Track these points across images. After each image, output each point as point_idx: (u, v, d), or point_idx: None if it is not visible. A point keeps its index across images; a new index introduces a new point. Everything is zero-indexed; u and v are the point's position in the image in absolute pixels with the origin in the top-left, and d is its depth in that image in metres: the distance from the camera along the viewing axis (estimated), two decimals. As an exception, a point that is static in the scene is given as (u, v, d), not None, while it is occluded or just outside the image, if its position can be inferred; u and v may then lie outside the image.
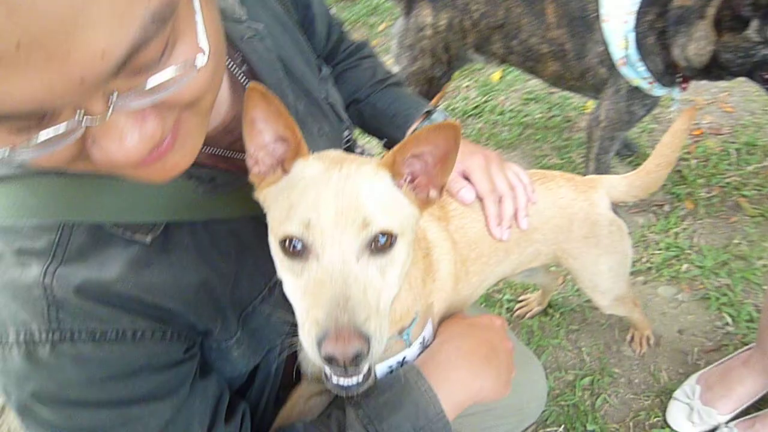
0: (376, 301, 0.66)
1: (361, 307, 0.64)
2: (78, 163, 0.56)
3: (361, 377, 0.71)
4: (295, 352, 0.96)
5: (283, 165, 0.73)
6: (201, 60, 0.52)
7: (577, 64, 1.95)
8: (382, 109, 1.20)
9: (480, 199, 1.09)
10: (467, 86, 2.89)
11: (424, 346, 0.97)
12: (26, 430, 0.75)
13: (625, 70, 1.80)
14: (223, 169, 0.79)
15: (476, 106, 2.76)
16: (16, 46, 0.40)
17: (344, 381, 0.70)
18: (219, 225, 0.80)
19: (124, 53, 0.45)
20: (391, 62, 2.19)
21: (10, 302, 0.69)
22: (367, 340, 0.62)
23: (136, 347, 0.73)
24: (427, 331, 0.98)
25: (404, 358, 0.94)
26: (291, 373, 0.99)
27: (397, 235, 0.68)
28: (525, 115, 2.65)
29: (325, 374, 0.71)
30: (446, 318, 1.06)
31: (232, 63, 0.84)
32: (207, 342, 0.83)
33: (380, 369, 0.93)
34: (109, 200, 0.72)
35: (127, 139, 0.52)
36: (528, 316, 1.90)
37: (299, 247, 0.67)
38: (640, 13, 1.73)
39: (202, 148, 0.74)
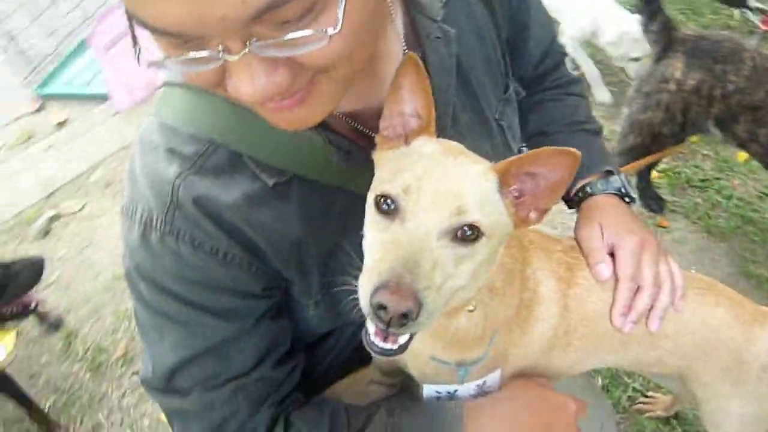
0: (441, 281, 0.67)
1: (425, 278, 0.65)
2: (219, 90, 0.65)
3: (397, 346, 0.72)
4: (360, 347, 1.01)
5: (407, 138, 0.77)
6: (331, 31, 0.57)
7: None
8: None
9: (616, 279, 1.00)
10: (704, 155, 2.62)
11: (483, 391, 0.96)
12: (133, 300, 0.89)
13: None
14: (362, 145, 0.84)
15: (704, 180, 2.50)
16: None
17: (380, 342, 0.71)
18: (338, 195, 0.85)
19: (263, 4, 0.53)
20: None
21: (147, 188, 0.82)
22: (419, 305, 0.63)
23: (224, 268, 0.82)
24: (492, 379, 0.96)
25: (456, 391, 0.94)
26: (361, 354, 1.04)
27: (484, 233, 0.69)
28: (753, 210, 2.34)
29: (366, 329, 0.72)
30: (524, 375, 1.01)
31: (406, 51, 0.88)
32: (291, 290, 0.90)
33: (428, 390, 0.95)
34: (257, 137, 0.81)
35: (255, 81, 0.60)
36: (647, 414, 1.74)
37: (392, 207, 0.70)
38: None
39: (350, 123, 0.85)
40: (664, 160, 2.63)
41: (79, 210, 3.22)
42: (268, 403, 0.90)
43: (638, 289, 1.00)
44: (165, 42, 0.58)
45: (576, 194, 1.10)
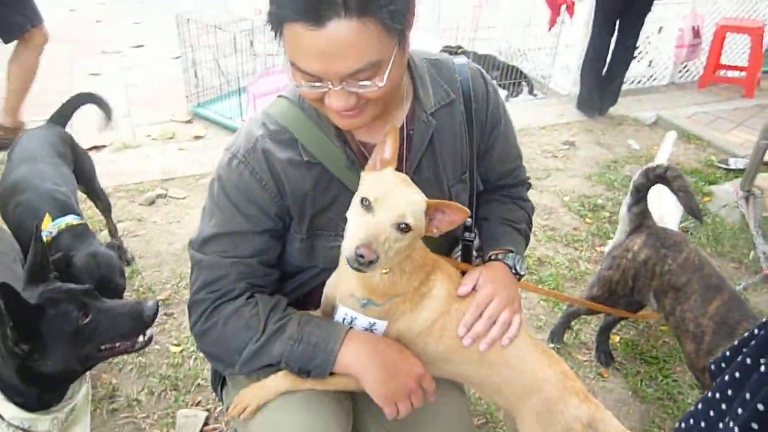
0: (388, 247, 1.21)
1: (381, 245, 1.19)
2: (318, 103, 1.30)
3: (363, 271, 1.23)
4: (319, 290, 1.57)
5: (378, 167, 1.34)
6: (379, 84, 1.22)
7: (704, 357, 2.15)
8: (492, 233, 1.73)
9: (471, 305, 1.46)
10: (664, 341, 3.05)
11: (372, 329, 1.42)
12: (207, 195, 1.48)
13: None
14: (362, 162, 1.45)
15: (654, 358, 2.92)
16: (321, 50, 1.15)
17: (354, 264, 1.21)
18: (338, 182, 1.43)
19: (354, 71, 1.18)
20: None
21: (243, 137, 1.43)
22: (377, 257, 1.18)
23: (260, 190, 1.40)
24: (380, 324, 1.41)
25: (356, 318, 1.42)
26: (318, 300, 1.58)
27: (411, 229, 1.26)
28: (680, 392, 2.73)
29: (348, 261, 1.22)
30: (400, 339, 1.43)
31: (405, 124, 1.49)
32: (290, 226, 1.47)
33: (340, 311, 1.43)
34: (310, 136, 1.42)
35: (341, 101, 1.24)
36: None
37: (368, 204, 1.24)
38: None
39: (361, 147, 1.47)
40: (629, 332, 3.11)
41: (182, 198, 4.03)
42: (247, 281, 1.44)
43: (480, 317, 1.45)
44: (302, 76, 1.23)
45: (488, 258, 1.65)
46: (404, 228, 1.23)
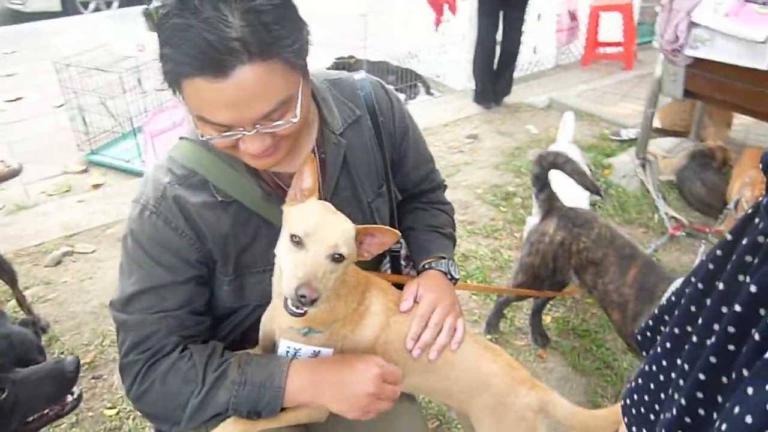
0: (326, 282, 1.20)
1: (321, 281, 1.18)
2: (230, 149, 1.27)
3: (303, 311, 1.23)
4: (256, 327, 1.53)
5: (302, 199, 1.32)
6: (294, 120, 1.21)
7: (632, 324, 2.26)
8: (420, 242, 1.73)
9: (413, 317, 1.47)
10: (593, 313, 3.19)
11: (316, 355, 1.40)
12: (121, 253, 1.40)
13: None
14: (277, 193, 1.42)
15: (585, 330, 3.05)
16: (230, 100, 1.12)
17: (295, 310, 1.22)
18: (256, 217, 1.40)
19: (267, 113, 1.16)
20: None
21: (150, 186, 1.37)
22: (319, 295, 1.16)
23: (177, 239, 1.34)
24: (325, 352, 1.41)
25: (300, 349, 1.39)
26: (256, 337, 1.53)
27: (345, 258, 1.25)
28: (615, 359, 2.87)
29: (286, 305, 1.22)
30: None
31: (316, 148, 1.48)
32: (215, 269, 1.42)
33: (282, 344, 1.40)
34: (220, 175, 1.37)
35: (256, 144, 1.22)
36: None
37: (298, 240, 1.21)
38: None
39: (274, 177, 1.43)
40: (558, 310, 3.23)
41: (90, 252, 3.83)
42: (179, 334, 1.38)
43: (425, 326, 1.46)
44: (211, 128, 1.20)
45: (421, 267, 1.66)
46: (338, 258, 1.23)
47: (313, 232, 1.22)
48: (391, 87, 1.69)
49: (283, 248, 1.27)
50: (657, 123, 4.69)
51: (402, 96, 5.70)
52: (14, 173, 3.00)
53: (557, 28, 6.51)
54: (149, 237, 1.36)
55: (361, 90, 1.59)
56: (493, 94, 5.73)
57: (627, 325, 2.28)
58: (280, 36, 1.13)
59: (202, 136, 1.26)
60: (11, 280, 3.09)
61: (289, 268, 1.22)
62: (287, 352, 1.42)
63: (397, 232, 1.32)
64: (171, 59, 1.14)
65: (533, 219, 3.40)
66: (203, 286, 1.44)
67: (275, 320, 1.44)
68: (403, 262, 1.95)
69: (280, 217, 1.35)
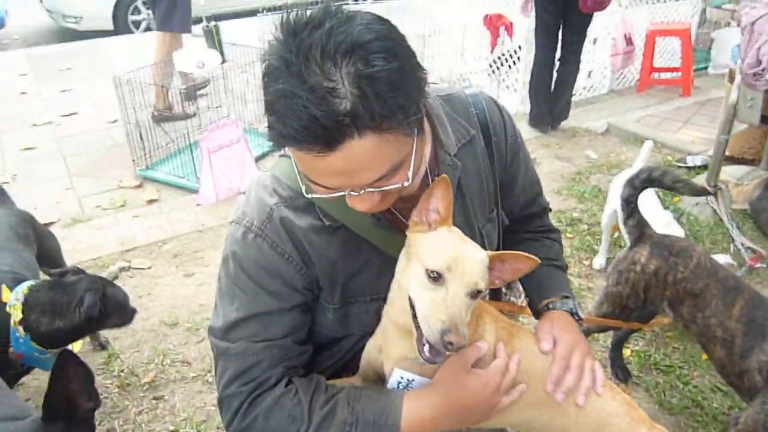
0: (467, 321, 1.13)
1: (465, 323, 1.12)
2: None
3: (443, 358, 1.17)
4: (357, 356, 1.43)
5: (431, 225, 1.23)
6: (405, 184, 1.12)
7: (739, 361, 2.09)
8: (537, 277, 1.59)
9: (554, 359, 1.38)
10: (674, 347, 3.02)
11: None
12: (220, 275, 1.36)
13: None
14: (388, 218, 1.33)
15: (669, 366, 2.89)
16: (337, 170, 1.04)
17: (433, 356, 1.16)
18: (366, 243, 1.32)
19: (375, 180, 1.08)
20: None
21: (254, 207, 1.30)
22: (466, 341, 1.10)
23: (284, 264, 1.27)
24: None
25: (413, 380, 1.31)
26: (356, 369, 1.44)
27: (481, 291, 1.17)
28: (704, 398, 2.69)
29: (423, 350, 1.16)
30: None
31: (428, 171, 1.37)
32: (320, 296, 1.34)
33: (395, 374, 1.30)
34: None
35: (365, 203, 1.14)
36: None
37: (436, 276, 1.13)
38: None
39: None
40: (638, 343, 3.06)
41: (147, 268, 3.78)
42: (283, 365, 1.30)
43: (568, 367, 1.37)
44: (316, 186, 1.12)
45: (543, 308, 1.54)
46: (476, 294, 1.15)
47: (454, 267, 1.13)
48: (503, 105, 1.58)
49: (415, 283, 1.17)
50: (726, 151, 4.50)
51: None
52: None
53: (612, 52, 6.36)
54: (254, 261, 1.28)
55: (474, 107, 1.48)
56: (550, 118, 5.60)
57: (734, 362, 2.11)
58: (395, 106, 1.00)
59: (307, 193, 1.17)
60: None
61: (427, 308, 1.14)
62: (399, 383, 1.32)
63: (536, 259, 1.21)
64: (274, 128, 1.04)
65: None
66: (307, 314, 1.35)
67: (385, 350, 1.35)
68: (504, 290, 1.83)
69: (389, 244, 1.27)
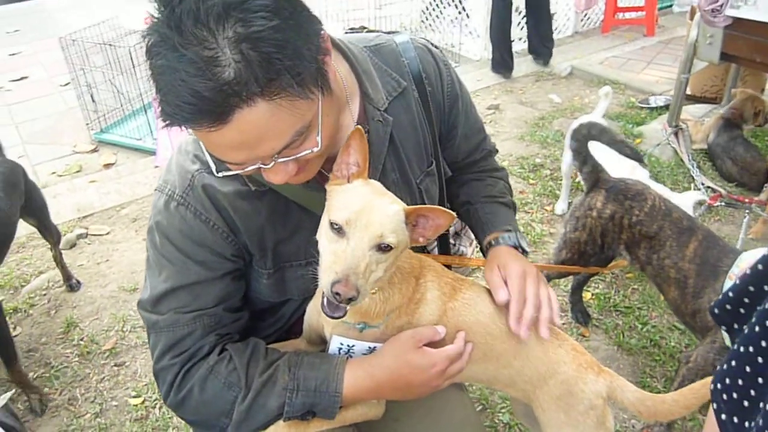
0: (368, 276, 1.05)
1: (361, 276, 1.03)
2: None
3: (342, 313, 1.09)
4: (302, 319, 1.39)
5: (349, 178, 1.17)
6: (315, 149, 1.04)
7: (692, 301, 2.11)
8: (481, 216, 1.56)
9: (509, 300, 1.32)
10: (634, 288, 3.05)
11: (371, 351, 1.28)
12: (147, 246, 1.28)
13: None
14: (316, 178, 1.23)
15: (628, 307, 2.92)
16: (236, 143, 0.96)
17: (331, 310, 1.09)
18: (294, 205, 1.26)
19: (281, 148, 1.00)
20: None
21: (176, 175, 1.23)
22: (358, 292, 1.02)
23: (210, 232, 1.21)
24: (380, 346, 1.27)
25: (353, 346, 1.27)
26: (299, 329, 1.41)
27: (393, 247, 1.09)
28: (662, 337, 2.73)
29: (323, 303, 1.09)
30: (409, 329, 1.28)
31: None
32: (252, 262, 1.29)
33: (334, 341, 1.27)
34: None
35: (279, 175, 1.06)
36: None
37: (339, 227, 1.07)
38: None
39: None
40: (598, 286, 3.09)
41: (105, 234, 3.70)
42: (215, 333, 1.26)
43: (524, 302, 1.31)
44: (224, 162, 1.05)
45: (487, 245, 1.50)
46: (384, 247, 1.08)
47: (356, 219, 1.07)
48: (437, 49, 1.51)
49: (323, 236, 1.13)
50: (687, 90, 4.49)
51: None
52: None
53: (576, -7, 6.27)
54: (178, 230, 1.22)
55: (404, 56, 1.40)
56: (512, 62, 5.54)
57: (687, 302, 2.13)
58: (283, 67, 0.92)
59: (218, 171, 1.10)
60: (56, 242, 3.13)
61: (326, 259, 1.09)
62: (339, 349, 1.29)
63: (453, 213, 1.14)
64: (161, 107, 0.95)
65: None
66: (239, 280, 1.30)
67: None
68: (452, 241, 1.80)
69: (321, 205, 1.20)
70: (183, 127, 0.97)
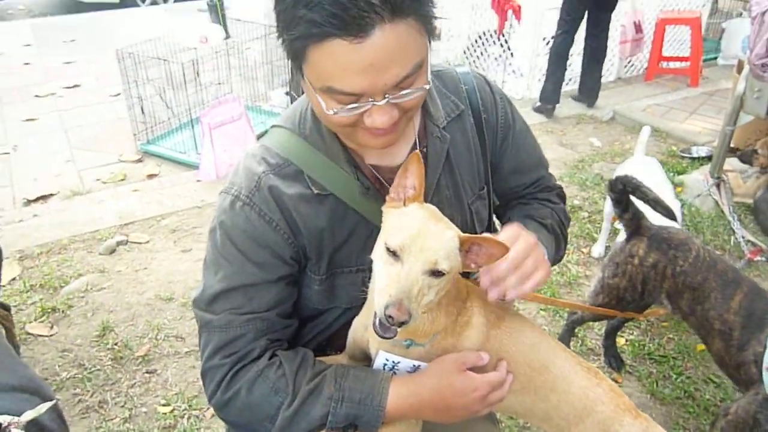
0: (420, 299, 1.08)
1: (414, 300, 1.06)
2: (347, 128, 1.15)
3: (393, 334, 1.11)
4: (347, 329, 1.40)
5: (405, 201, 1.20)
6: (426, 86, 1.12)
7: (737, 353, 2.08)
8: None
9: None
10: (669, 338, 3.01)
11: (415, 369, 1.29)
12: (207, 247, 1.31)
13: (766, 375, 1.89)
14: (377, 188, 1.30)
15: (663, 356, 2.87)
16: (367, 64, 1.01)
17: (382, 333, 1.11)
18: (353, 213, 1.29)
19: (403, 77, 1.06)
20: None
21: (243, 176, 1.27)
22: (410, 316, 1.05)
23: (272, 232, 1.24)
24: (425, 366, 1.29)
25: (399, 363, 1.28)
26: (342, 342, 1.41)
27: (445, 273, 1.11)
28: (696, 389, 2.68)
29: (375, 323, 1.11)
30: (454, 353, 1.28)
31: (418, 142, 1.35)
32: (307, 267, 1.32)
33: (380, 356, 1.28)
34: (315, 166, 1.27)
35: (385, 116, 1.10)
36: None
37: (394, 252, 1.09)
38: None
39: (374, 171, 1.32)
40: (633, 333, 3.05)
41: (145, 242, 3.77)
42: (267, 338, 1.28)
43: (515, 270, 1.22)
44: (338, 100, 1.08)
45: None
46: (439, 273, 1.11)
47: (410, 244, 1.09)
48: (495, 82, 1.55)
49: (378, 257, 1.15)
50: (731, 142, 4.47)
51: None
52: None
53: (621, 39, 6.29)
54: (242, 230, 1.25)
55: (464, 84, 1.46)
56: (559, 97, 5.60)
57: (731, 354, 2.10)
58: None
59: (330, 113, 1.13)
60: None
61: (381, 281, 1.12)
62: (385, 365, 1.30)
63: (507, 245, 1.15)
64: (305, 20, 1.01)
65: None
66: (293, 286, 1.33)
67: (369, 329, 1.31)
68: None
69: (378, 214, 1.24)
70: (321, 43, 1.02)
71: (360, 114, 1.11)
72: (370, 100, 1.08)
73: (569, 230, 3.71)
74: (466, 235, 1.16)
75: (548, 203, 1.61)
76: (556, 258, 1.54)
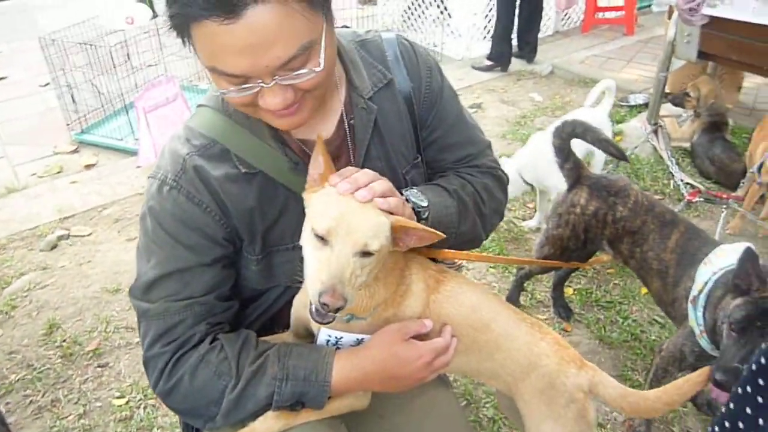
0: (354, 282, 1.07)
1: (348, 283, 1.05)
2: (249, 108, 1.12)
3: (330, 319, 1.11)
4: (290, 306, 1.39)
5: (321, 182, 1.18)
6: (317, 69, 1.06)
7: (672, 290, 2.15)
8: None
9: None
10: (615, 284, 3.09)
11: (359, 343, 1.30)
12: (138, 234, 1.29)
13: (690, 308, 1.96)
14: (305, 162, 1.25)
15: (609, 302, 2.96)
16: (244, 45, 0.98)
17: (320, 320, 1.12)
18: (283, 189, 1.27)
19: (286, 59, 1.01)
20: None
21: (168, 160, 1.24)
22: (345, 301, 1.04)
23: (202, 214, 1.22)
24: (367, 338, 1.29)
25: (341, 338, 1.29)
26: (287, 320, 1.40)
27: (375, 252, 1.10)
28: (642, 330, 2.77)
29: (311, 311, 1.11)
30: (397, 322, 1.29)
31: (344, 114, 1.33)
32: (242, 248, 1.29)
33: (322, 333, 1.28)
34: (242, 143, 1.24)
35: (277, 98, 1.07)
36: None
37: (321, 236, 1.08)
38: (729, 272, 1.89)
39: (302, 146, 1.29)
40: (580, 281, 3.13)
41: (87, 235, 3.67)
42: (207, 322, 1.26)
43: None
44: (226, 81, 1.06)
45: None
46: (368, 254, 1.10)
47: (336, 227, 1.08)
48: (423, 47, 1.51)
49: (306, 243, 1.14)
50: (666, 88, 4.56)
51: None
52: None
53: (556, -8, 6.34)
54: (170, 214, 1.22)
55: (388, 52, 1.42)
56: (509, 57, 5.68)
57: (667, 291, 2.16)
58: None
59: (222, 93, 1.11)
60: None
61: (311, 268, 1.11)
62: (327, 341, 1.30)
63: (441, 234, 1.16)
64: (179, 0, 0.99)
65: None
66: (230, 268, 1.31)
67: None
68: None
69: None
70: (199, 23, 0.99)
71: (252, 96, 1.09)
72: (259, 81, 1.05)
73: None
74: (398, 223, 1.15)
75: (466, 176, 1.53)
76: (465, 232, 1.45)
